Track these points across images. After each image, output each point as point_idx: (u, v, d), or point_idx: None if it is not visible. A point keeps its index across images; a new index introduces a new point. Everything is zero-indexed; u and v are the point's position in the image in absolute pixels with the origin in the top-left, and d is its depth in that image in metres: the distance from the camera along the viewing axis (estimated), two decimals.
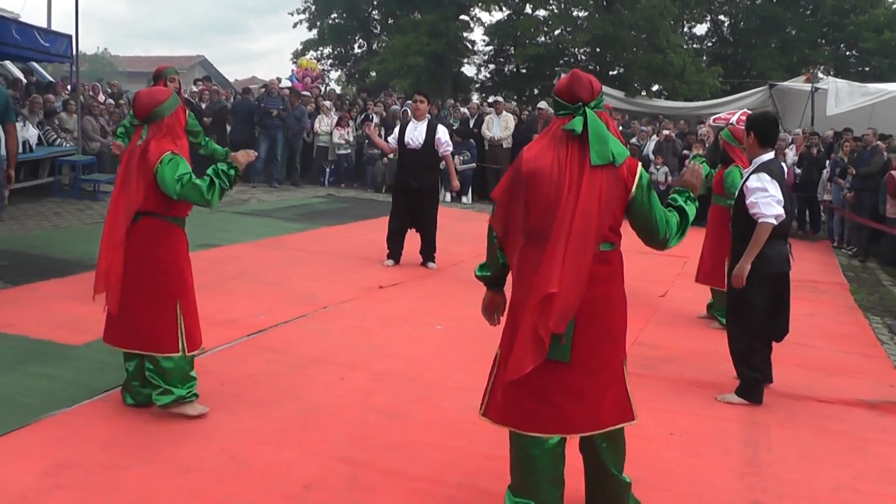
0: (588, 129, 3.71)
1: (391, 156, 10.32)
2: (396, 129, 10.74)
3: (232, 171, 5.10)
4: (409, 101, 14.38)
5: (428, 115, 10.88)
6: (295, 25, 38.75)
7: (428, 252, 10.72)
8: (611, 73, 32.95)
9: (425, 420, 5.44)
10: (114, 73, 49.83)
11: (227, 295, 8.09)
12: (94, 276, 6.68)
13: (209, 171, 5.09)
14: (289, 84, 24.36)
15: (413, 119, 10.59)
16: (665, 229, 3.90)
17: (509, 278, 4.09)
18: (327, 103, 20.74)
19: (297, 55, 38.27)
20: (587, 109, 3.76)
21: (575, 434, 3.87)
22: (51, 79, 21.83)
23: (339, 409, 5.51)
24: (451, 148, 10.96)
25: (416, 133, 10.41)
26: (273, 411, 5.38)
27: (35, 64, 21.24)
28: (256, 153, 6.93)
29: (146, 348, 5.09)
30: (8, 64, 21.22)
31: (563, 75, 4.09)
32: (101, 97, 20.56)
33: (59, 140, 15.84)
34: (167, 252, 5.16)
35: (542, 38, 34.59)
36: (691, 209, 4.06)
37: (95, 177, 15.46)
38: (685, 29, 37.61)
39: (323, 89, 25.41)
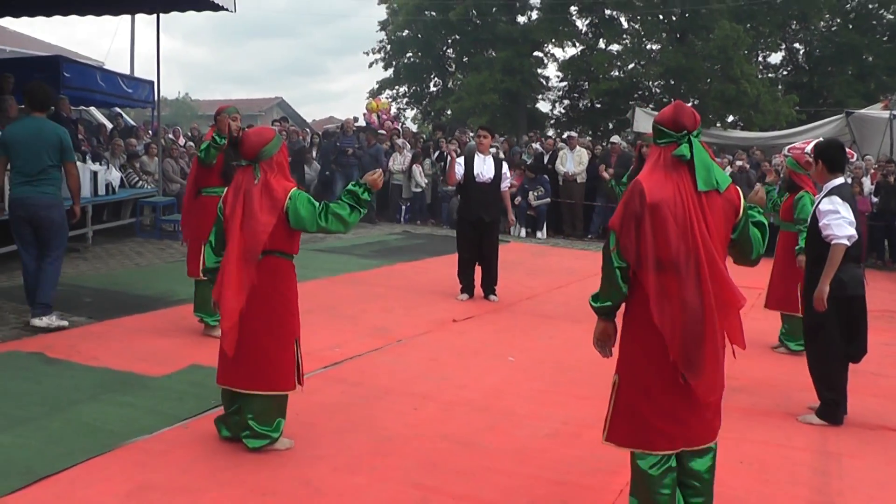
0: (694, 156, 3.89)
1: (451, 188, 10.40)
2: (461, 161, 10.74)
3: (367, 196, 5.24)
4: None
5: (492, 149, 11.01)
6: (371, 65, 39.38)
7: (490, 285, 10.79)
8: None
9: (496, 447, 5.53)
10: (194, 116, 50.99)
11: (305, 328, 8.18)
12: (175, 313, 6.98)
13: (344, 197, 5.21)
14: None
15: (478, 153, 10.66)
16: (758, 247, 4.14)
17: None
18: (401, 141, 21.01)
19: (374, 94, 38.81)
20: (692, 137, 3.93)
21: (696, 447, 4.05)
22: (133, 123, 22.55)
23: (411, 437, 5.63)
24: (509, 183, 11.12)
25: (485, 167, 10.51)
26: (347, 439, 5.52)
27: (118, 109, 21.95)
28: (383, 170, 7.11)
29: (266, 387, 5.14)
30: (93, 110, 21.97)
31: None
32: (181, 140, 21.16)
33: (140, 182, 16.43)
34: (289, 289, 5.28)
35: (616, 73, 34.64)
36: (766, 221, 4.27)
37: (175, 217, 15.83)
38: (759, 58, 37.31)
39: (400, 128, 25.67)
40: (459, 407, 6.34)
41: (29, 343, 7.52)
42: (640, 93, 34.82)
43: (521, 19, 36.69)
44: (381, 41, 38.90)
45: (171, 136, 20.76)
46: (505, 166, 10.90)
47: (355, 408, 6.18)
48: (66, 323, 8.09)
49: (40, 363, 6.95)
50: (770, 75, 36.67)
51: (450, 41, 38.59)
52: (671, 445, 3.97)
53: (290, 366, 5.22)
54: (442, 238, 17.39)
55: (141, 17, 18.00)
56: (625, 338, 4.09)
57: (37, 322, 7.94)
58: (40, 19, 17.26)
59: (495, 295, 10.76)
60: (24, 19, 17.61)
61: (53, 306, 8.14)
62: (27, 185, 7.84)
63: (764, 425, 6.30)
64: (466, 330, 9.07)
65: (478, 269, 10.83)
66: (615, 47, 35.25)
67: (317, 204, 5.16)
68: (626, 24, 35.39)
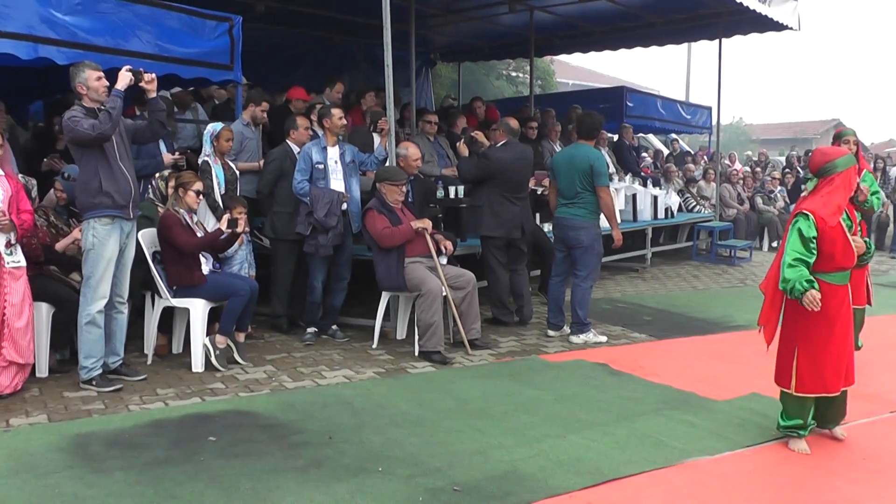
0: None
1: None
2: None
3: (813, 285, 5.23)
4: None
5: None
6: None
7: None
8: None
9: None
10: (747, 140, 50.67)
11: (869, 367, 7.75)
12: (734, 338, 7.03)
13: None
14: None
15: None
16: None
17: None
18: None
19: None
20: None
21: None
22: (688, 149, 23.01)
23: None
24: None
25: None
26: None
27: (673, 135, 22.57)
28: None
29: (775, 380, 5.71)
30: (650, 137, 22.82)
31: None
32: (737, 165, 21.15)
33: (697, 207, 16.71)
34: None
35: None
36: None
37: (731, 242, 15.87)
38: None
39: None
40: None
41: (594, 354, 8.06)
42: None
43: None
44: None
45: (726, 161, 20.84)
46: None
47: None
48: (603, 339, 8.63)
49: (605, 374, 7.39)
50: None
51: None
52: None
53: (786, 367, 5.60)
54: None
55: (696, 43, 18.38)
56: None
57: (574, 339, 8.58)
58: (606, 53, 18.32)
59: None
60: (592, 54, 18.75)
61: (591, 324, 8.70)
62: (564, 207, 8.62)
63: None
64: None
65: None
66: None
67: (802, 243, 5.27)
68: None
